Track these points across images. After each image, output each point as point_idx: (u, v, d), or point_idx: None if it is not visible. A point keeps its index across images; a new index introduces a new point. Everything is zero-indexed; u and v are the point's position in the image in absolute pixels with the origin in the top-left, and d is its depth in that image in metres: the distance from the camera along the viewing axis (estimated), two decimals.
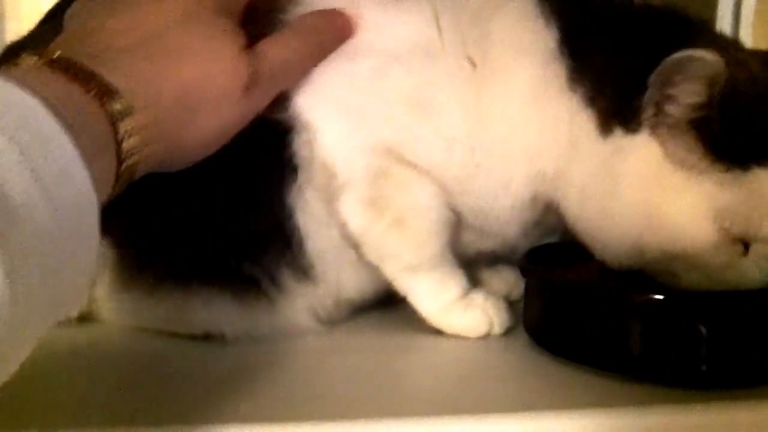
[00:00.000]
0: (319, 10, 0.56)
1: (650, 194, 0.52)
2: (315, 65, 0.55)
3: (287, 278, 0.58)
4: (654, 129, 0.52)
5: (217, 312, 0.57)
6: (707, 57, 0.49)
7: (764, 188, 0.50)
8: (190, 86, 0.48)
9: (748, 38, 0.76)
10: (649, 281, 0.55)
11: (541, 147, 0.56)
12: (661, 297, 0.51)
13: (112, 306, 0.60)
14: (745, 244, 0.51)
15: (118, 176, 0.44)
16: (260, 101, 0.53)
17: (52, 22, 0.60)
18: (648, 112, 0.52)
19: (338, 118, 0.56)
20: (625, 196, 0.53)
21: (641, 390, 0.49)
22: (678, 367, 0.50)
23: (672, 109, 0.51)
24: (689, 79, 0.50)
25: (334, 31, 0.56)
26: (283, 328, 0.59)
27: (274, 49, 0.53)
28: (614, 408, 0.47)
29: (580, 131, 0.55)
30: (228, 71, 0.50)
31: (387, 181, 0.56)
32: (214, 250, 0.57)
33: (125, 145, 0.43)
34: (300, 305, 0.59)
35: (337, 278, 0.60)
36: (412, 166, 0.56)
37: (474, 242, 0.61)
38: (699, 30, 0.56)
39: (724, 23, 0.78)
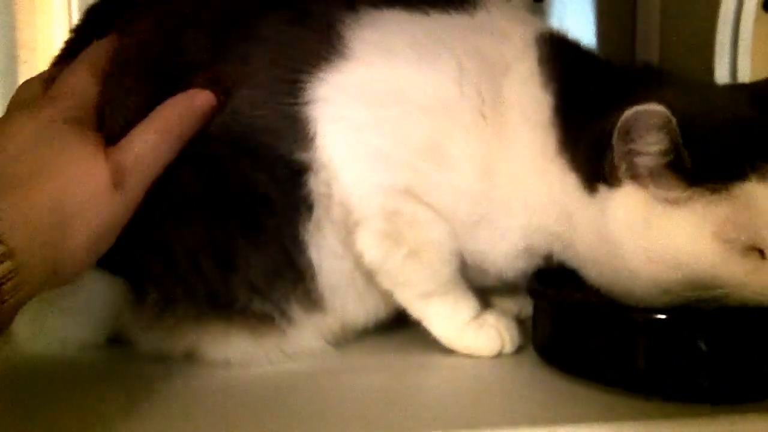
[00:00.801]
0: (176, 96, 0.59)
1: (650, 238, 0.55)
2: (180, 147, 0.58)
3: (297, 311, 0.62)
4: (633, 180, 0.55)
5: (232, 345, 0.61)
6: (652, 108, 0.52)
7: (750, 198, 0.53)
8: (58, 197, 0.51)
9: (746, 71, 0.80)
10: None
11: (537, 204, 0.60)
12: (663, 316, 0.54)
13: (137, 340, 0.63)
14: (761, 252, 0.54)
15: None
16: (135, 192, 0.56)
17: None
18: (622, 168, 0.55)
19: (361, 159, 0.59)
20: (628, 248, 0.55)
21: (645, 405, 0.52)
22: (680, 382, 0.53)
23: (642, 161, 0.54)
24: (645, 132, 0.53)
25: (194, 113, 0.58)
26: (293, 353, 0.62)
27: (136, 142, 0.56)
28: (618, 422, 0.50)
29: (572, 192, 0.58)
30: (89, 173, 0.53)
31: (401, 218, 0.60)
32: (227, 289, 0.60)
33: (5, 287, 0.46)
34: (309, 333, 0.63)
35: (344, 307, 0.63)
36: (425, 205, 0.60)
37: (476, 279, 0.64)
38: (668, 81, 0.60)
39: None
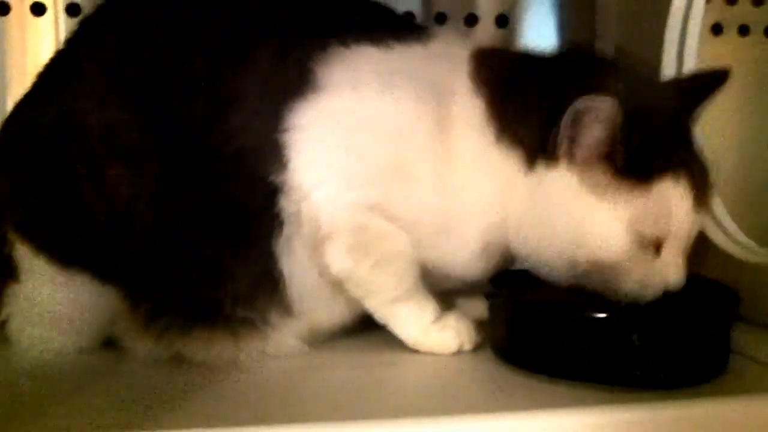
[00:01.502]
0: None
1: (573, 216, 0.62)
2: None
3: (275, 315, 0.67)
4: (568, 163, 0.62)
5: (216, 349, 0.66)
6: (604, 101, 0.58)
7: (663, 195, 0.60)
8: None
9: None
10: (596, 299, 0.63)
11: (487, 202, 0.66)
12: (603, 315, 0.60)
13: (130, 346, 0.68)
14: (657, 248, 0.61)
15: None
16: None
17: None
18: (562, 149, 0.62)
19: (332, 179, 0.65)
20: (554, 221, 0.63)
21: (586, 392, 0.58)
22: (617, 371, 0.59)
23: (581, 147, 0.61)
24: (593, 121, 0.60)
25: None
26: (273, 354, 0.68)
27: None
28: (561, 408, 0.56)
29: (511, 173, 0.64)
30: None
31: (367, 232, 0.66)
32: (212, 299, 0.66)
33: None
34: (285, 335, 0.68)
35: (312, 312, 0.69)
36: (389, 219, 0.66)
37: (438, 284, 0.70)
38: (606, 68, 0.66)
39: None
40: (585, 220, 0.61)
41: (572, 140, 0.61)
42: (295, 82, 0.65)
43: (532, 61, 0.70)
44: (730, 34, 1.03)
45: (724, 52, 1.03)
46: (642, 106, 0.61)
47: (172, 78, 0.66)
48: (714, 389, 0.60)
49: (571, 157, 0.62)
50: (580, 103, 0.59)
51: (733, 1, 1.03)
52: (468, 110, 0.66)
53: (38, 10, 0.91)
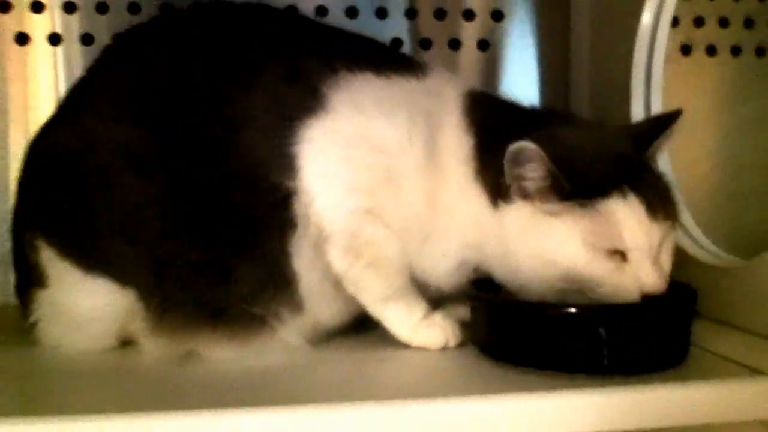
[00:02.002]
0: None
1: (537, 241, 0.69)
2: None
3: (285, 312, 0.74)
4: (523, 197, 0.70)
5: (227, 345, 0.73)
6: (527, 144, 0.67)
7: (610, 212, 0.67)
8: None
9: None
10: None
11: (465, 224, 0.74)
12: (573, 310, 0.67)
13: (143, 343, 0.75)
14: (624, 255, 0.68)
15: None
16: None
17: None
18: (513, 188, 0.70)
19: (333, 187, 0.73)
20: (519, 250, 0.70)
21: (556, 379, 0.64)
22: (585, 360, 0.66)
23: (527, 183, 0.69)
24: (526, 162, 0.68)
25: None
26: (279, 348, 0.74)
27: None
28: (535, 392, 0.63)
29: (484, 210, 0.72)
30: None
31: (361, 236, 0.73)
32: (223, 298, 0.73)
33: None
34: (293, 331, 0.75)
35: (317, 308, 0.76)
36: (382, 226, 0.73)
37: (423, 292, 0.77)
38: (555, 121, 0.75)
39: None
40: (546, 241, 0.69)
41: (519, 180, 0.69)
42: (307, 101, 0.73)
43: (511, 112, 0.78)
44: (699, 54, 1.09)
45: (692, 71, 1.09)
46: (581, 146, 0.70)
47: (187, 98, 0.74)
48: (674, 375, 0.66)
49: (523, 193, 0.69)
50: (509, 151, 0.68)
51: (700, 23, 1.08)
52: (456, 144, 0.74)
53: (54, 39, 0.98)
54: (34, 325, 0.77)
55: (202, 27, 0.79)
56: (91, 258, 0.74)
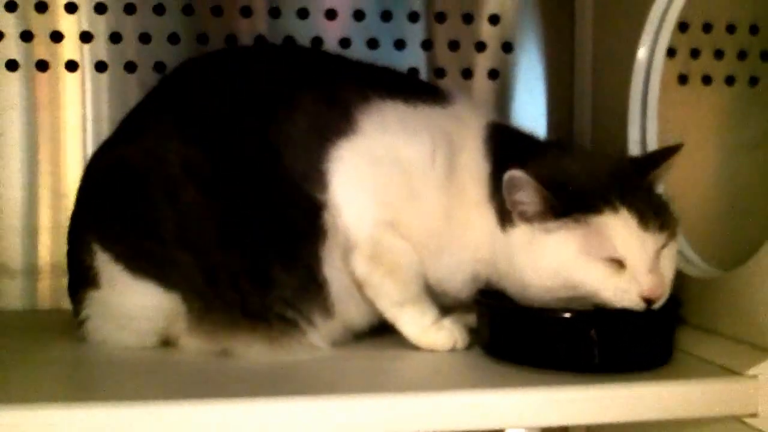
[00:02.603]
0: None
1: (536, 257, 0.76)
2: None
3: (317, 316, 0.82)
4: (523, 220, 0.77)
5: (258, 345, 0.80)
6: (516, 173, 0.74)
7: (602, 225, 0.74)
8: None
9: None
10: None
11: (480, 241, 0.81)
12: (567, 315, 0.75)
13: (184, 343, 0.83)
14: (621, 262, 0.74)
15: None
16: None
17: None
18: (515, 213, 0.77)
19: (360, 200, 0.81)
20: (524, 266, 0.77)
21: (552, 376, 0.72)
22: (578, 359, 0.74)
23: (524, 207, 0.76)
24: (519, 189, 0.75)
25: None
26: (309, 350, 0.82)
27: None
28: (533, 387, 0.70)
29: (495, 230, 0.80)
30: None
31: (382, 246, 0.81)
32: (262, 301, 0.80)
33: None
34: (323, 334, 0.83)
35: (346, 313, 0.83)
36: (401, 238, 0.81)
37: (439, 299, 0.84)
38: (553, 151, 0.83)
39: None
40: (546, 255, 0.76)
41: (517, 205, 0.77)
42: (341, 124, 0.81)
43: (523, 143, 0.86)
44: (695, 84, 1.14)
45: (689, 99, 1.14)
46: (574, 170, 0.78)
47: (240, 122, 0.83)
48: (658, 374, 0.73)
49: (524, 217, 0.77)
50: (504, 180, 0.76)
51: (696, 54, 1.14)
52: (475, 168, 0.82)
53: (71, 66, 1.06)
54: (83, 322, 0.85)
55: (252, 62, 0.89)
56: (142, 263, 0.82)
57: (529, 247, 0.77)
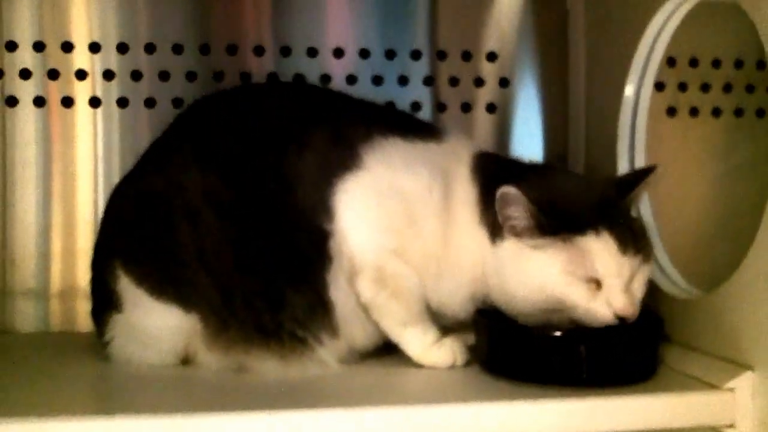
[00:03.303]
0: None
1: (523, 270, 0.82)
2: None
3: (325, 336, 0.88)
4: (512, 235, 0.83)
5: (270, 362, 0.86)
6: (509, 190, 0.80)
7: (585, 246, 0.80)
8: None
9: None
10: (553, 325, 0.82)
11: (472, 261, 0.87)
12: (558, 333, 0.80)
13: (201, 360, 0.89)
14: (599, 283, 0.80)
15: None
16: None
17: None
18: (505, 227, 0.83)
19: (365, 228, 0.86)
20: (512, 278, 0.83)
21: (543, 389, 0.77)
22: (568, 374, 0.79)
23: (514, 222, 0.82)
24: (510, 205, 0.81)
25: None
26: (319, 366, 0.87)
27: None
28: (525, 400, 0.75)
29: (486, 247, 0.85)
30: None
31: (386, 270, 0.87)
32: (275, 322, 0.86)
33: None
34: (330, 353, 0.88)
35: (351, 334, 0.89)
36: (404, 263, 0.87)
37: (439, 320, 0.90)
38: (542, 172, 0.89)
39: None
40: (532, 269, 0.81)
41: (508, 219, 0.82)
42: (346, 160, 0.87)
43: (510, 167, 0.92)
44: (683, 116, 1.20)
45: (677, 131, 1.20)
46: (562, 191, 0.85)
47: (255, 156, 0.88)
48: (643, 388, 0.78)
49: (513, 231, 0.82)
50: (497, 195, 0.81)
51: (684, 88, 1.20)
52: (464, 193, 0.88)
53: (95, 103, 1.12)
54: (108, 343, 0.91)
55: (264, 98, 0.95)
56: (164, 285, 0.88)
57: (517, 260, 0.83)
